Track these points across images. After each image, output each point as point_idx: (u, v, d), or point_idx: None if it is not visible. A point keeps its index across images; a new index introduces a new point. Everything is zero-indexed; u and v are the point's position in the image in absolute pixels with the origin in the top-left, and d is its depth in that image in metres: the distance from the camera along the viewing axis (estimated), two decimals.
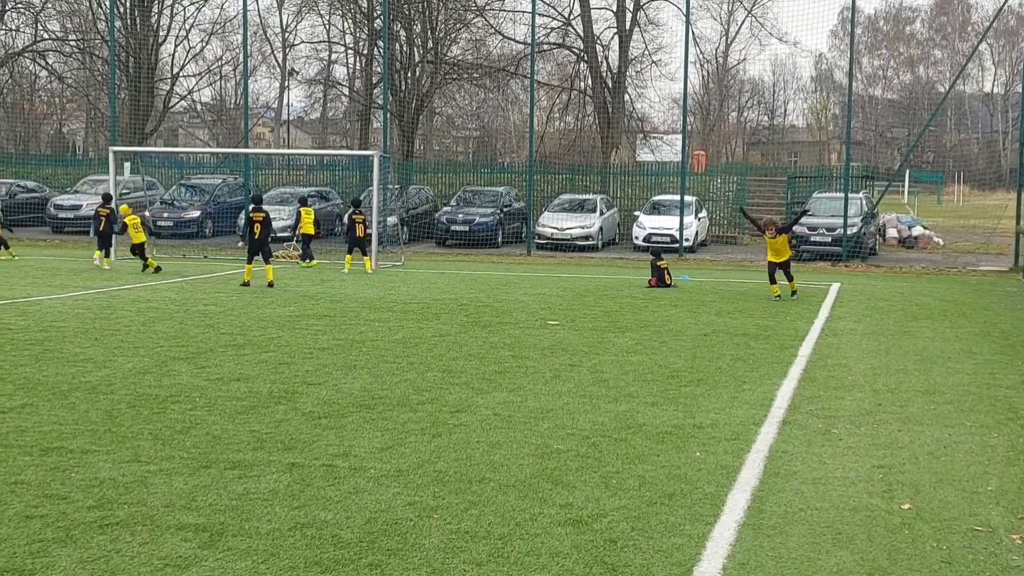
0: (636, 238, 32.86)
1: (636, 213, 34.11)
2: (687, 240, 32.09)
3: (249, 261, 20.89)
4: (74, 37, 47.02)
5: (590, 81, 43.32)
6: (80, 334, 13.44)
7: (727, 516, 6.57)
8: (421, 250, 31.72)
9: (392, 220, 31.19)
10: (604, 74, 42.29)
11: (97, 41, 45.18)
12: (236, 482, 7.04)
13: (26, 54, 46.99)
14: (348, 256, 24.74)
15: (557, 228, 32.87)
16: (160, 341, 13.02)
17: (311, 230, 26.07)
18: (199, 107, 57.98)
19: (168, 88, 47.97)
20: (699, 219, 33.48)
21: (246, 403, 9.50)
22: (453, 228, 33.49)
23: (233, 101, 55.39)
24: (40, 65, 48.91)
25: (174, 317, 15.38)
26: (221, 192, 35.83)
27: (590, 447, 8.18)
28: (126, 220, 23.32)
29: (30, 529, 6.02)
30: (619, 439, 8.46)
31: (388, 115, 36.76)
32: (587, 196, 35.50)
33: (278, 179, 40.41)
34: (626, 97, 43.68)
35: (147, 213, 30.99)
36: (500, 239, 33.62)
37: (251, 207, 21.25)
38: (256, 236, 20.60)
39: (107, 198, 25.16)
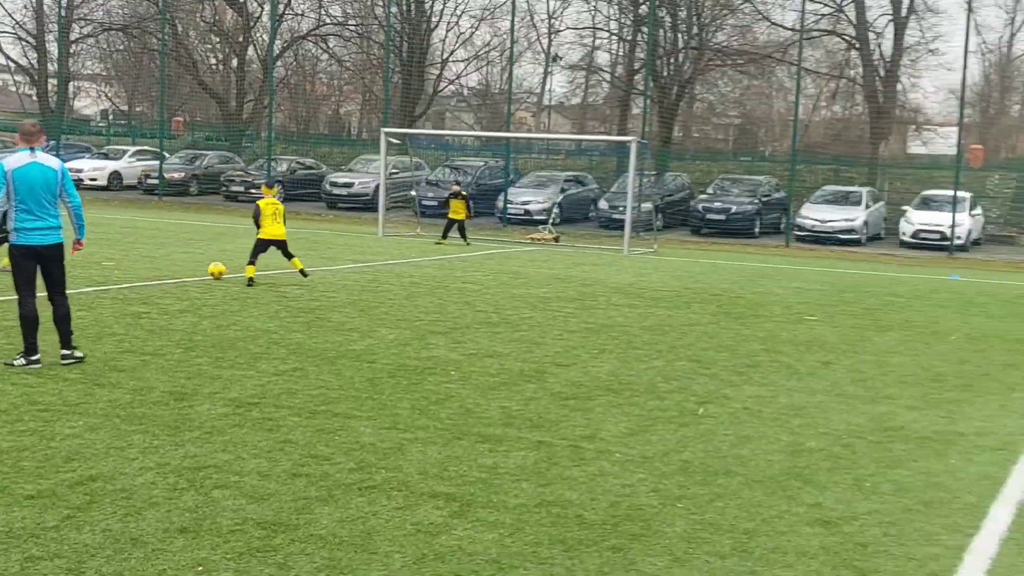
0: (903, 234, 31.55)
1: (904, 208, 32.73)
2: (959, 238, 30.63)
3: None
4: (353, 22, 49.32)
5: (861, 69, 41.81)
6: (348, 304, 14.14)
7: (988, 529, 6.24)
8: (675, 238, 31.54)
9: (647, 206, 31.18)
10: (876, 62, 40.71)
11: (374, 26, 47.23)
12: (486, 455, 7.25)
13: (309, 38, 49.64)
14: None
15: (819, 220, 31.95)
16: (420, 315, 13.53)
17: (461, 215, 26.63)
18: (466, 91, 59.65)
19: (438, 73, 49.60)
20: (973, 216, 31.79)
21: (498, 379, 9.75)
22: (709, 216, 33.13)
23: (498, 86, 56.64)
24: (321, 48, 51.53)
25: (434, 293, 15.94)
26: (483, 174, 36.79)
27: (843, 448, 7.94)
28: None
29: (295, 487, 6.38)
30: (875, 442, 8.16)
31: (648, 101, 36.68)
32: (852, 188, 34.40)
33: (537, 163, 41.13)
34: (899, 87, 41.87)
35: (413, 193, 32.23)
36: (757, 229, 33.04)
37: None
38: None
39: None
